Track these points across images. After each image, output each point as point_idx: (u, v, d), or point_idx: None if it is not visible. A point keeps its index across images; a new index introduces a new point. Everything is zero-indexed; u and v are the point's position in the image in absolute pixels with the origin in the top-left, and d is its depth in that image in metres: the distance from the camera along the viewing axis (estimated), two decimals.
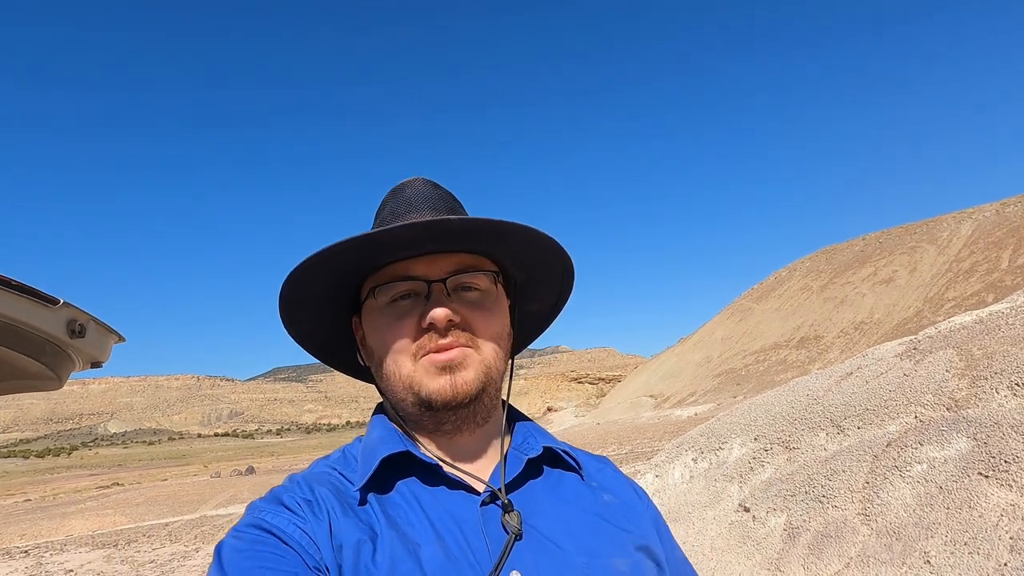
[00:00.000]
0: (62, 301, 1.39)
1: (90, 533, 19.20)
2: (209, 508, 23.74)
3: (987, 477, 2.56)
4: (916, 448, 2.98)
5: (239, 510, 21.50)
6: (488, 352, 0.84)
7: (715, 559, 3.46)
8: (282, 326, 0.93)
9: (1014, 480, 2.45)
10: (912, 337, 4.47)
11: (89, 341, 1.53)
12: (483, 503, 0.79)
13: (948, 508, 2.60)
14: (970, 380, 3.15)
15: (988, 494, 2.50)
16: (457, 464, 0.84)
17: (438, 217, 0.81)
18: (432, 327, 0.81)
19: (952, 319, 4.32)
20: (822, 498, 3.16)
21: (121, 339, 1.63)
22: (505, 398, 0.93)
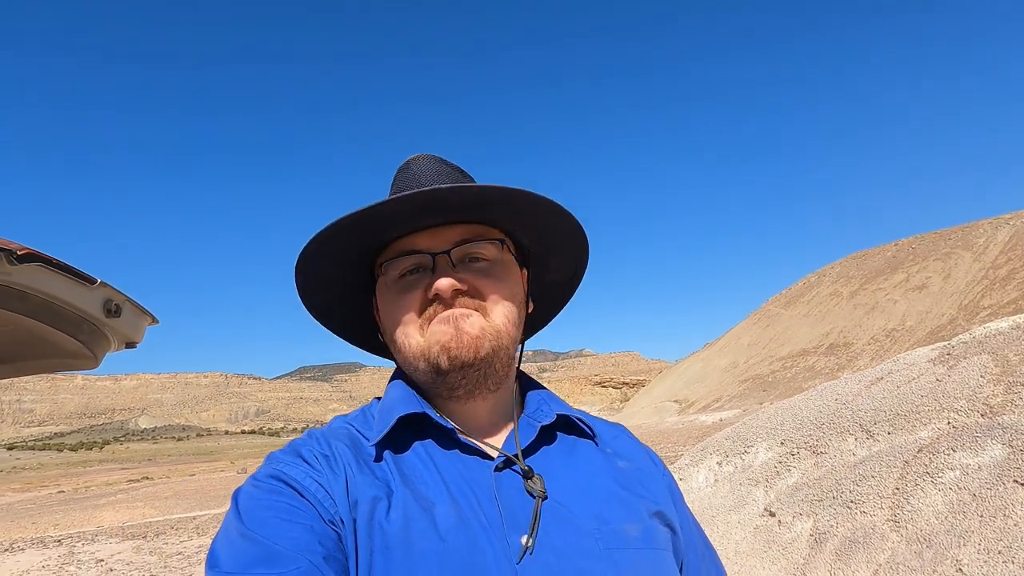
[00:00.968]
0: (99, 281, 1.42)
1: (120, 524, 19.60)
2: None
3: (1023, 485, 2.49)
4: (949, 454, 2.91)
5: None
6: (498, 317, 0.84)
7: (739, 563, 3.41)
8: (305, 310, 0.95)
9: None
10: (946, 342, 4.37)
11: (124, 321, 1.57)
12: (496, 468, 0.80)
13: (982, 516, 2.53)
14: (1006, 386, 3.07)
15: None
16: (471, 431, 0.85)
17: (432, 187, 0.80)
18: (437, 297, 0.81)
19: (988, 325, 4.22)
20: (850, 503, 3.10)
21: (155, 321, 1.66)
22: (517, 365, 0.93)
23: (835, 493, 3.23)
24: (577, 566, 0.73)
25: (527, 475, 0.79)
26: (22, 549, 15.27)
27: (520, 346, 0.93)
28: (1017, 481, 2.51)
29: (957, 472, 2.80)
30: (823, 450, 3.74)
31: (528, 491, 0.78)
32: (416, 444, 0.82)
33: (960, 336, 4.38)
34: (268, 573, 0.63)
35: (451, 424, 0.83)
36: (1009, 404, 2.94)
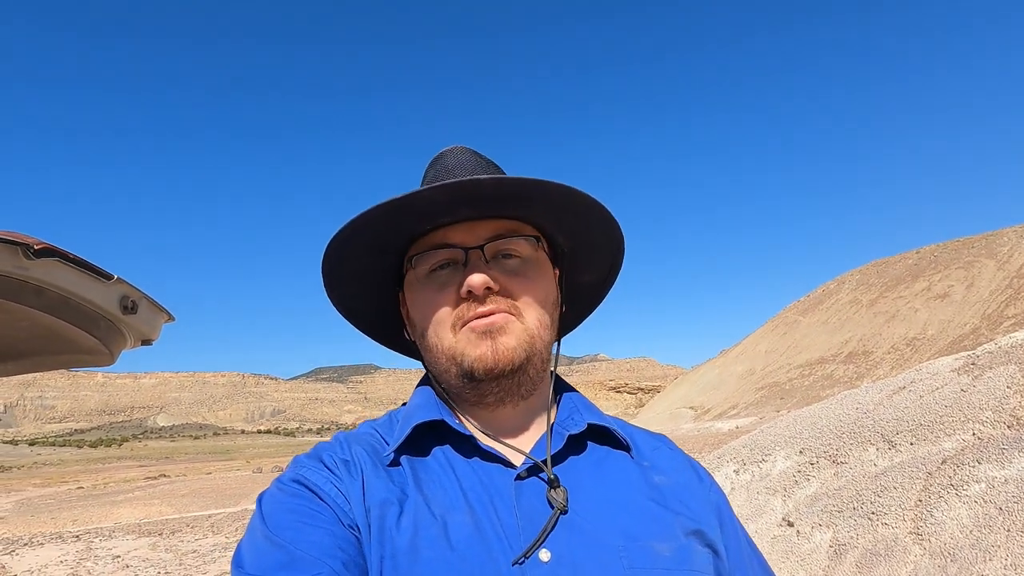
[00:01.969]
0: (116, 277, 1.42)
1: (137, 521, 19.81)
2: (250, 502, 24.27)
3: None
4: (974, 466, 2.84)
5: None
6: (531, 320, 0.81)
7: None
8: (326, 309, 0.93)
9: None
10: (970, 352, 4.28)
11: (141, 318, 1.56)
12: (518, 477, 0.77)
13: (1008, 530, 2.47)
14: None
15: None
16: (497, 437, 0.82)
17: (469, 177, 0.77)
18: (470, 295, 0.78)
19: (1014, 334, 4.12)
20: (871, 515, 3.03)
21: (171, 318, 1.66)
22: (553, 369, 0.89)
23: (856, 504, 3.16)
24: None
25: (553, 484, 0.76)
26: (41, 544, 15.48)
27: (556, 347, 0.90)
28: None
29: (983, 485, 2.73)
30: (843, 460, 3.68)
31: (549, 501, 0.75)
32: (436, 450, 0.80)
33: (985, 346, 4.29)
34: None
35: (468, 431, 0.80)
36: None
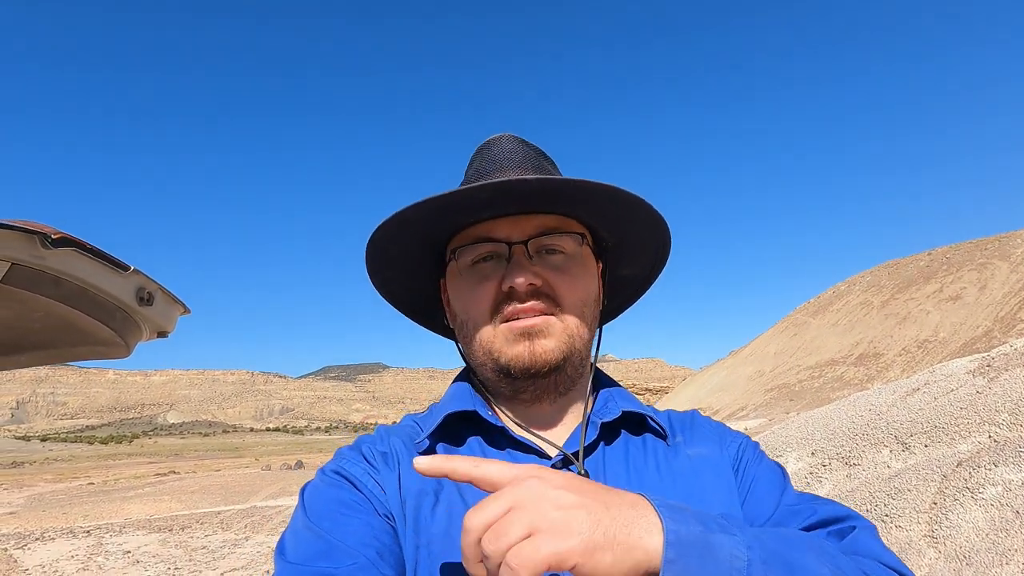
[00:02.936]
0: (132, 268, 1.42)
1: (147, 517, 19.93)
2: (259, 499, 24.37)
3: None
4: (990, 469, 2.80)
5: (288, 502, 21.98)
6: (571, 320, 0.81)
7: None
8: (374, 288, 0.94)
9: None
10: (984, 354, 4.23)
11: (156, 310, 1.56)
12: (552, 467, 0.76)
13: None
14: None
15: None
16: (531, 429, 0.82)
17: (517, 177, 0.77)
18: (512, 292, 0.78)
19: None
20: (885, 517, 3.00)
21: (187, 311, 1.66)
22: (593, 362, 0.90)
23: (869, 506, 3.13)
24: None
25: (584, 475, 0.75)
26: (52, 539, 15.60)
27: (597, 340, 0.89)
28: None
29: (999, 488, 2.70)
30: (856, 462, 3.64)
31: None
32: (471, 440, 0.81)
33: (1000, 348, 4.24)
34: (328, 567, 0.66)
35: (501, 422, 0.81)
36: None
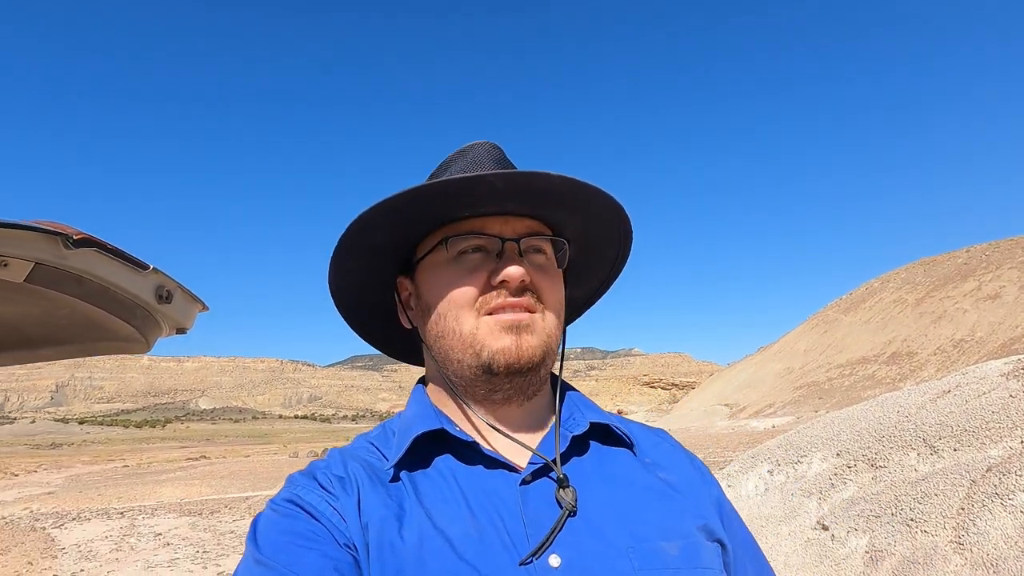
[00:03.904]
0: (152, 267, 1.46)
1: (178, 500, 20.45)
2: None
3: None
4: (1021, 475, 2.73)
5: None
6: (551, 320, 0.81)
7: None
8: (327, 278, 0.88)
9: None
10: (1021, 356, 4.12)
11: (175, 308, 1.61)
12: (523, 482, 0.75)
13: None
14: None
15: None
16: (503, 431, 0.80)
17: (544, 171, 0.76)
18: (504, 285, 0.78)
19: None
20: (910, 521, 2.95)
21: (205, 308, 1.70)
22: (557, 372, 0.89)
23: (894, 510, 3.08)
24: None
25: (562, 484, 0.74)
26: (88, 519, 16.12)
27: (561, 348, 0.88)
28: None
29: None
30: (882, 464, 3.58)
31: (558, 501, 0.73)
32: (437, 460, 0.78)
33: None
34: None
35: (471, 438, 0.78)
36: None
